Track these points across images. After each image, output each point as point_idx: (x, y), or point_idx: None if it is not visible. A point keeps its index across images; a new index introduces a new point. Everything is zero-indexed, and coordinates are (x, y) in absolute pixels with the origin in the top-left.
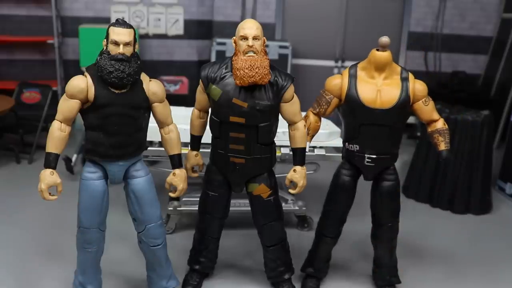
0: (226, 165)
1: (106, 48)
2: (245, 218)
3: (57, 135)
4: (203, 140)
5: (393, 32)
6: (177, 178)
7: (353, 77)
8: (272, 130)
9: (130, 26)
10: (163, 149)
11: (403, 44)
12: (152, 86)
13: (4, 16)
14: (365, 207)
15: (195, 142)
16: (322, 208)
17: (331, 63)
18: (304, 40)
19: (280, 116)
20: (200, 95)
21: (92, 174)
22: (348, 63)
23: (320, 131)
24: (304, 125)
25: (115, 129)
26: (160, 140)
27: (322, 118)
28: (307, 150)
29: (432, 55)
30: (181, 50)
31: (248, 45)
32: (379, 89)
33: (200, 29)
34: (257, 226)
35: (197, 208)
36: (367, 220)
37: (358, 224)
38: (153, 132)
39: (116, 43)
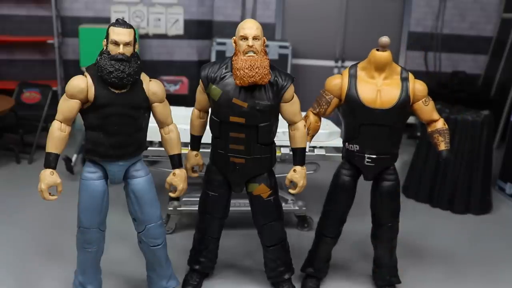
0: (226, 165)
1: (106, 48)
2: (245, 218)
3: (57, 135)
4: (203, 140)
5: (393, 32)
6: (177, 178)
7: (353, 77)
8: (272, 130)
9: (130, 26)
10: (163, 149)
11: (403, 44)
12: (152, 86)
13: (4, 16)
14: (365, 207)
15: (195, 142)
16: (322, 208)
17: (331, 63)
18: (304, 40)
19: (280, 116)
20: (200, 95)
21: (92, 174)
22: (348, 63)
23: (320, 131)
24: (304, 125)
25: (115, 129)
26: (160, 140)
27: (322, 118)
28: (307, 150)
29: (432, 55)
30: (181, 50)
31: (248, 45)
32: (379, 89)
33: (200, 29)
34: (257, 226)
35: (197, 208)
36: (367, 220)
37: (358, 224)
38: (153, 132)
39: (116, 43)
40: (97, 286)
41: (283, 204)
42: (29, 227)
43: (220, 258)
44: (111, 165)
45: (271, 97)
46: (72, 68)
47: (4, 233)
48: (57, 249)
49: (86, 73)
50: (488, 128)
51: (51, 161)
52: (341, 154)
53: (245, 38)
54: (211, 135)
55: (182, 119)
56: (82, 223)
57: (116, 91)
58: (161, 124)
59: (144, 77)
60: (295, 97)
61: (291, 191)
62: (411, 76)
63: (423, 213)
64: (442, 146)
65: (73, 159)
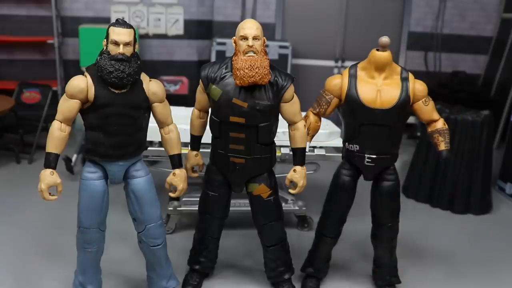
0: (226, 165)
1: (106, 48)
2: (245, 218)
3: (57, 135)
4: (203, 140)
5: (393, 32)
6: (177, 178)
7: (353, 77)
8: (272, 130)
9: (130, 26)
10: (163, 149)
11: (403, 44)
12: (152, 86)
13: (4, 16)
14: (365, 207)
15: (195, 142)
16: (322, 208)
17: (331, 63)
18: (304, 40)
19: (280, 116)
20: (200, 95)
21: (92, 174)
22: (348, 63)
23: (320, 131)
24: (304, 125)
25: (115, 129)
26: (160, 140)
27: (322, 118)
28: (307, 150)
29: (432, 55)
30: (181, 50)
31: (248, 45)
32: (379, 89)
33: (200, 29)
34: (257, 226)
35: (197, 208)
36: (367, 220)
37: (358, 224)
38: (153, 132)
39: (116, 43)
40: (97, 286)
41: (283, 204)
42: (29, 227)
43: (220, 258)
44: (111, 165)
45: (271, 97)
46: (72, 68)
47: (4, 233)
48: (57, 249)
49: (86, 73)
50: (488, 128)
51: (51, 161)
52: (341, 154)
53: (245, 38)
54: (211, 135)
55: (182, 119)
56: (82, 223)
57: (116, 91)
58: (161, 124)
59: (144, 77)
60: (295, 97)
61: (291, 191)
62: (411, 76)
63: (423, 213)
64: (442, 146)
65: (73, 159)
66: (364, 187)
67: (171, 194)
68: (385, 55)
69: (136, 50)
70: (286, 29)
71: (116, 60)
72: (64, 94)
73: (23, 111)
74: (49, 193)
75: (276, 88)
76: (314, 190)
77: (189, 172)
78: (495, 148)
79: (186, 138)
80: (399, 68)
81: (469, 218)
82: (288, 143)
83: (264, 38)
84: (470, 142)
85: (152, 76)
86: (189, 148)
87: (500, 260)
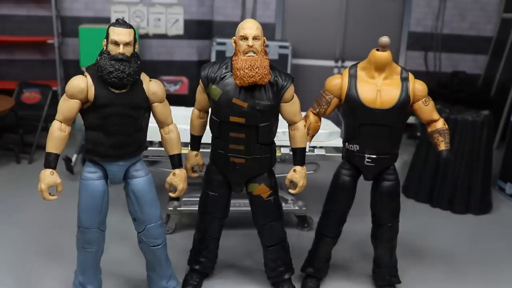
0: (226, 165)
1: (106, 48)
2: (245, 218)
3: (57, 135)
4: (203, 140)
5: (393, 32)
6: (177, 178)
7: (353, 77)
8: (272, 130)
9: (130, 26)
10: (163, 149)
11: (403, 44)
12: (152, 86)
13: (4, 16)
14: (365, 207)
15: (195, 142)
16: (322, 208)
17: (331, 63)
18: (304, 40)
19: (280, 116)
20: (200, 95)
21: (92, 174)
22: (348, 63)
23: (320, 131)
24: (304, 125)
25: (115, 129)
26: (160, 140)
27: (322, 118)
28: (307, 150)
29: (432, 55)
30: (181, 50)
31: (248, 45)
32: (379, 89)
33: (200, 29)
34: (257, 226)
35: (197, 208)
36: (367, 220)
37: (358, 224)
38: (153, 132)
39: (116, 43)
40: (97, 286)
41: (283, 204)
42: (29, 227)
43: (220, 258)
44: (111, 165)
45: (271, 97)
46: (72, 68)
47: (4, 233)
48: (57, 249)
49: (86, 73)
50: (488, 128)
51: (51, 161)
52: (341, 154)
53: (245, 38)
54: (211, 135)
55: (182, 119)
56: (82, 223)
57: (116, 91)
58: (161, 124)
59: (144, 77)
60: (295, 97)
61: (291, 191)
62: (411, 76)
63: (423, 213)
64: (442, 146)
65: (73, 159)
66: (364, 187)
67: (171, 194)
68: (385, 55)
69: (136, 50)
70: (286, 29)
71: (116, 60)
72: (64, 94)
73: (23, 111)
74: (49, 193)
75: (276, 88)
76: (314, 190)
77: (189, 172)
78: (495, 148)
79: (186, 138)
80: (399, 68)
81: (469, 218)
82: (288, 143)
83: (264, 38)
84: (470, 142)
85: (152, 76)
86: (189, 148)
87: (500, 260)
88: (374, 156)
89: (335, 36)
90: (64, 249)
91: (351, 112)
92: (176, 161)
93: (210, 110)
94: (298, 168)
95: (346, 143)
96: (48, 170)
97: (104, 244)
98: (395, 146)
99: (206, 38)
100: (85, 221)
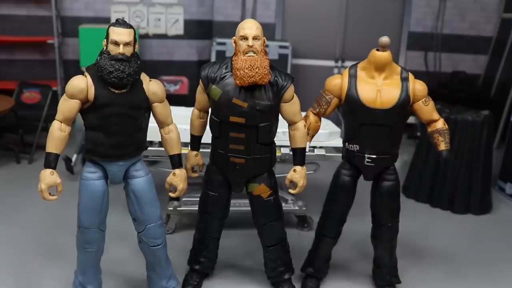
0: (226, 165)
1: (106, 48)
2: (245, 218)
3: (57, 135)
4: (203, 140)
5: (393, 32)
6: (177, 178)
7: (353, 77)
8: (272, 130)
9: (130, 26)
10: (163, 149)
11: (403, 44)
12: (152, 86)
13: (4, 16)
14: (365, 207)
15: (195, 142)
16: (322, 208)
17: (331, 63)
18: (304, 40)
19: (280, 116)
20: (200, 95)
21: (92, 174)
22: (348, 63)
23: (320, 131)
24: (304, 125)
25: (115, 129)
26: (160, 140)
27: (322, 118)
28: (307, 150)
29: (432, 55)
30: (181, 50)
31: (248, 45)
32: (379, 89)
33: (200, 29)
34: (257, 226)
35: (197, 208)
36: (367, 220)
37: (358, 224)
38: (153, 132)
39: (116, 43)
40: (97, 286)
41: (283, 204)
42: (29, 227)
43: (220, 258)
44: (111, 165)
45: (271, 97)
46: (72, 68)
47: (4, 233)
48: (57, 249)
49: (86, 73)
50: (488, 128)
51: (51, 161)
52: (341, 154)
53: (245, 38)
54: (211, 135)
55: (182, 119)
56: (82, 223)
57: (116, 91)
58: (161, 124)
59: (144, 77)
60: (295, 97)
61: (291, 191)
62: (411, 76)
63: (423, 213)
64: (442, 146)
65: (73, 159)
66: (364, 187)
67: (171, 194)
68: (385, 55)
69: (136, 50)
70: (286, 29)
71: (116, 60)
72: (64, 94)
73: (23, 111)
74: (49, 193)
75: (276, 88)
76: (314, 190)
77: (189, 172)
78: (495, 148)
79: (186, 138)
80: (399, 68)
81: (469, 218)
82: (288, 143)
83: (264, 38)
84: (470, 142)
85: (152, 76)
86: (189, 148)
87: (500, 260)
88: (374, 156)
89: (335, 36)
90: (64, 249)
91: (351, 112)
92: (176, 161)
93: (210, 110)
94: (298, 168)
95: (346, 143)
96: (48, 170)
97: (104, 244)
98: (395, 146)
99: (206, 38)
100: (85, 221)
